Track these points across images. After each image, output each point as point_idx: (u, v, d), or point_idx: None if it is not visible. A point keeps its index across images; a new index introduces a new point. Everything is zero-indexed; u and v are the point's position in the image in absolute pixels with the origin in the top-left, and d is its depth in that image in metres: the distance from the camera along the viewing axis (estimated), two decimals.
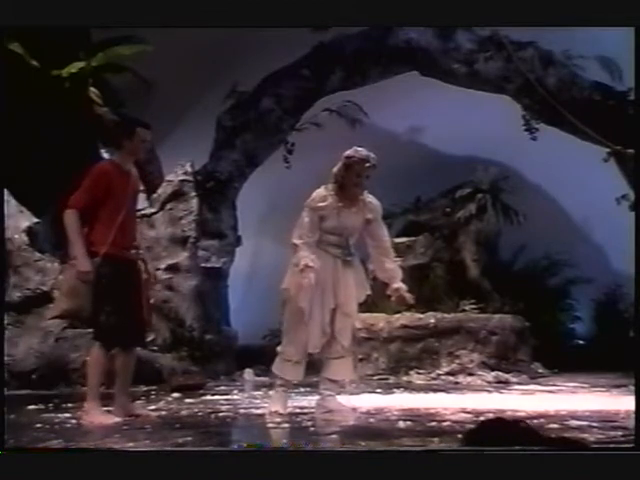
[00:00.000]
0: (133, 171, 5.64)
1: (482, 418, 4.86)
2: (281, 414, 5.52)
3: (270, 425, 5.30)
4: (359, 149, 5.56)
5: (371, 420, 5.45)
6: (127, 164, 5.57)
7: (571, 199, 12.18)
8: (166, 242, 9.87)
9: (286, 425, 5.22)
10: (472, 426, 4.10)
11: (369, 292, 5.80)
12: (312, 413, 5.79)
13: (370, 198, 5.70)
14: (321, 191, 5.62)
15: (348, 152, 5.56)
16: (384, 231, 5.79)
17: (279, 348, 5.70)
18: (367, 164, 5.50)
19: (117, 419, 5.34)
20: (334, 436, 4.68)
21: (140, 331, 5.71)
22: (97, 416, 5.30)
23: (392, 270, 5.71)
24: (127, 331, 5.41)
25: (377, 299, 9.92)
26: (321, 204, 5.55)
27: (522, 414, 5.57)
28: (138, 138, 5.49)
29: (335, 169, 5.61)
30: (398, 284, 5.63)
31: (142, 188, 7.88)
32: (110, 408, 5.58)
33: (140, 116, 10.65)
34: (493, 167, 11.32)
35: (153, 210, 9.97)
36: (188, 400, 6.88)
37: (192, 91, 11.34)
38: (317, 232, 5.57)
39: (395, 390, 7.76)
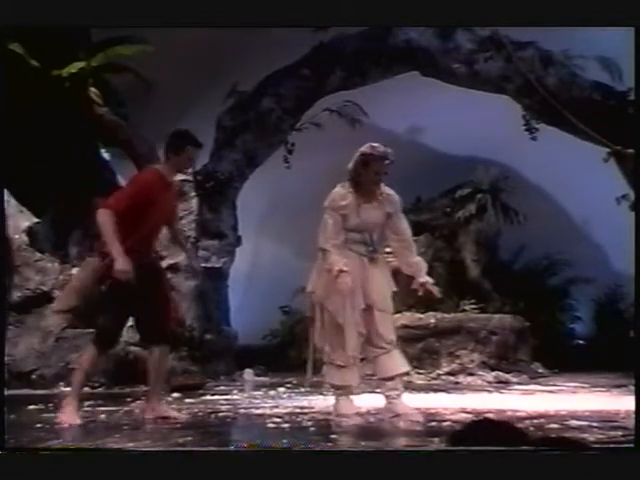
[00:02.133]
0: (174, 183, 5.66)
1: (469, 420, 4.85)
2: (359, 414, 5.45)
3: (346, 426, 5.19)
4: (376, 145, 5.43)
5: (371, 420, 5.44)
6: (171, 176, 5.55)
7: (571, 199, 12.18)
8: (166, 242, 9.86)
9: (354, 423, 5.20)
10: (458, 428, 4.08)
11: (395, 288, 5.67)
12: (312, 413, 5.79)
13: (388, 191, 5.57)
14: (339, 190, 5.49)
15: (365, 149, 5.43)
16: (405, 224, 5.66)
17: (325, 358, 5.55)
18: (386, 161, 5.41)
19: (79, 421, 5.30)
20: (335, 436, 4.68)
21: (169, 330, 5.65)
22: (70, 416, 5.28)
23: (417, 263, 5.59)
24: (146, 332, 5.40)
25: None
26: (342, 203, 5.43)
27: (522, 414, 5.58)
28: (186, 155, 5.45)
29: (350, 166, 5.48)
30: (424, 278, 5.54)
31: None
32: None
33: (140, 116, 10.71)
34: (493, 167, 11.33)
35: None
36: (188, 400, 6.88)
37: (192, 91, 11.34)
38: (342, 233, 5.45)
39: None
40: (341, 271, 5.26)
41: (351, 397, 5.63)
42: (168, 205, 5.53)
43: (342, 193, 5.47)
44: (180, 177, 10.06)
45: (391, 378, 5.52)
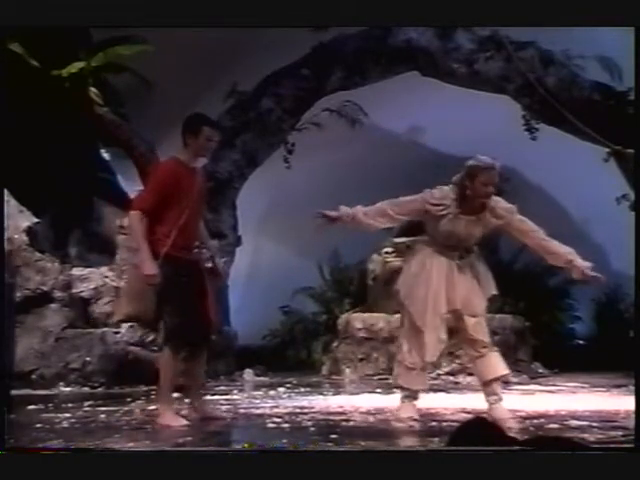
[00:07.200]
0: (199, 168, 5.54)
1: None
2: (415, 419, 5.27)
3: (403, 427, 5.11)
4: (482, 158, 5.29)
5: (371, 420, 5.44)
6: (192, 161, 5.45)
7: (571, 199, 12.18)
8: None
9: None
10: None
11: (495, 292, 5.47)
12: (312, 413, 5.79)
13: (496, 204, 5.33)
14: (445, 188, 5.33)
15: (471, 161, 5.28)
16: (529, 224, 5.45)
17: (399, 357, 5.44)
18: (493, 171, 5.21)
19: (185, 422, 5.26)
20: (335, 436, 4.67)
21: (206, 331, 5.58)
22: (169, 419, 5.24)
23: (565, 253, 5.36)
24: (193, 332, 5.32)
25: (378, 299, 9.91)
26: (433, 201, 5.28)
27: (522, 414, 5.58)
28: (204, 136, 5.37)
29: (455, 178, 5.33)
30: (581, 263, 5.29)
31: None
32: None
33: (140, 116, 10.70)
34: None
35: None
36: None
37: (192, 91, 11.34)
38: (401, 217, 5.41)
39: (395, 390, 7.73)
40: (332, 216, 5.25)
41: (414, 402, 5.44)
42: (196, 192, 5.39)
43: (444, 192, 5.32)
44: None
45: (489, 382, 5.37)
